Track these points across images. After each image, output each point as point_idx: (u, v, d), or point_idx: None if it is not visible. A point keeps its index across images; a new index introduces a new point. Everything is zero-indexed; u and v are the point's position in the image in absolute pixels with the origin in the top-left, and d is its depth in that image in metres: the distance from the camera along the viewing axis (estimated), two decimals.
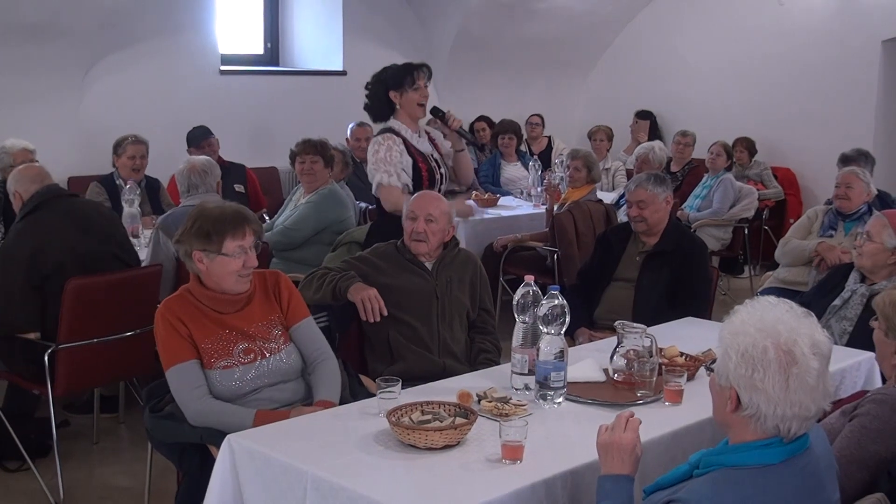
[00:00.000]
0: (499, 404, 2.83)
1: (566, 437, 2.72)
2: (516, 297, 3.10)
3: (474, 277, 3.88)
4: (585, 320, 4.34)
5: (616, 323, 3.24)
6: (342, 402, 3.12)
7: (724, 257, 7.94)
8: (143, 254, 4.84)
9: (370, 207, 6.24)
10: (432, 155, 4.52)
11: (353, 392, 3.30)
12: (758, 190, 8.00)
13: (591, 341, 4.03)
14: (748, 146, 8.58)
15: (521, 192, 7.69)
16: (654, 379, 3.02)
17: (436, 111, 4.53)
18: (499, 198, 7.30)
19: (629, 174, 8.09)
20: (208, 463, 2.81)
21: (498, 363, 3.66)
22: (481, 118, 9.08)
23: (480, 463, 2.50)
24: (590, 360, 3.24)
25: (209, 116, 7.34)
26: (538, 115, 9.21)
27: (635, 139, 9.47)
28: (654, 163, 7.34)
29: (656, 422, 2.70)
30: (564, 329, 2.92)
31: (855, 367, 3.49)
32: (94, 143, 7.07)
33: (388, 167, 4.33)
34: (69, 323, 4.07)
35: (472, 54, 9.32)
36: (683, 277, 4.31)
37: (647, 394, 3.00)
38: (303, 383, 3.25)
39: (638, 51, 10.11)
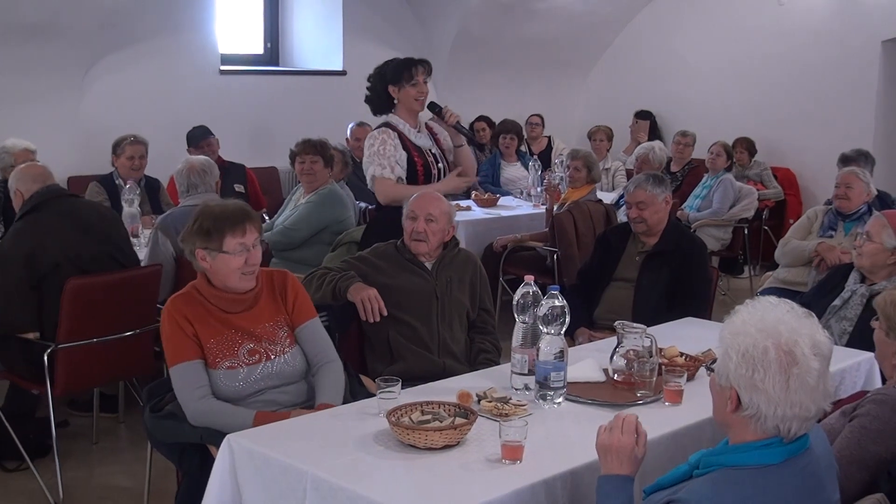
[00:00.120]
0: (499, 404, 2.83)
1: (566, 438, 2.71)
2: (516, 297, 3.10)
3: (474, 277, 3.88)
4: (585, 320, 4.34)
5: (616, 323, 3.24)
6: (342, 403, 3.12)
7: (724, 257, 7.94)
8: (143, 253, 4.84)
9: (370, 207, 6.24)
10: (430, 150, 4.53)
11: (353, 392, 3.29)
12: (758, 190, 8.00)
13: (591, 341, 4.03)
14: (748, 146, 8.58)
15: (521, 193, 7.69)
16: (654, 379, 3.02)
17: (433, 106, 4.55)
18: (498, 198, 7.30)
19: (629, 174, 8.09)
20: (208, 463, 2.81)
21: (498, 363, 3.66)
22: (481, 118, 9.07)
23: (480, 463, 2.50)
24: (590, 361, 3.24)
25: (209, 116, 7.34)
26: (538, 115, 9.21)
27: (635, 139, 9.47)
28: (654, 163, 7.34)
29: (656, 422, 2.70)
30: (564, 329, 2.92)
31: (855, 368, 3.49)
32: (93, 142, 7.07)
33: (381, 160, 4.37)
34: (68, 323, 4.07)
35: (471, 54, 9.32)
36: (683, 277, 4.31)
37: (646, 394, 2.99)
38: (306, 385, 3.24)
39: (638, 51, 10.11)
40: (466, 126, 8.89)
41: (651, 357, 3.03)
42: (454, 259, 3.85)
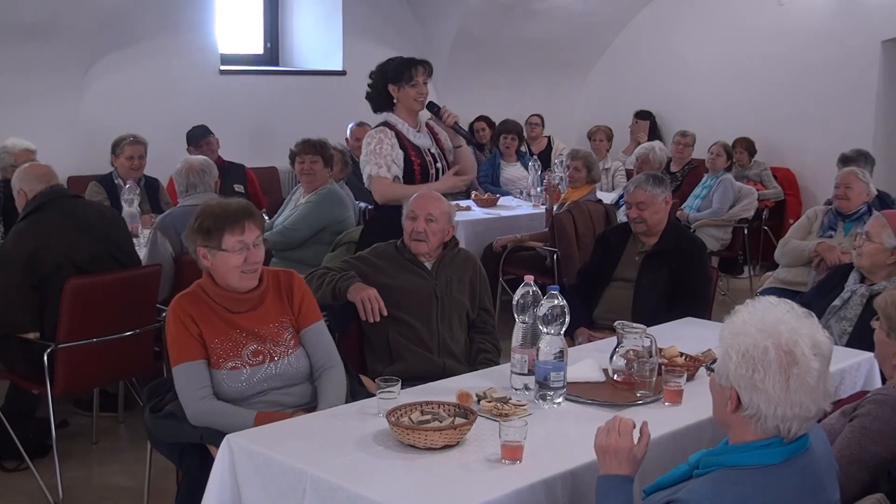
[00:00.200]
0: (498, 404, 2.83)
1: (566, 438, 2.71)
2: (516, 297, 3.10)
3: (474, 277, 3.88)
4: (585, 320, 4.34)
5: (616, 323, 3.24)
6: None
7: (724, 257, 7.94)
8: (142, 253, 4.84)
9: (369, 207, 6.24)
10: (429, 149, 4.53)
11: (352, 392, 3.29)
12: (757, 190, 8.00)
13: (591, 341, 4.03)
14: (748, 146, 8.57)
15: (521, 193, 7.69)
16: (654, 379, 3.01)
17: (431, 106, 4.55)
18: (498, 198, 7.30)
19: (629, 174, 8.10)
20: (208, 463, 2.81)
21: (497, 363, 3.66)
22: (481, 118, 9.08)
23: (480, 463, 2.50)
24: (589, 361, 3.24)
25: (209, 116, 7.34)
26: (538, 115, 9.21)
27: (635, 139, 9.47)
28: (654, 163, 7.35)
29: (656, 422, 2.68)
30: (564, 329, 2.92)
31: (855, 368, 3.48)
32: (93, 142, 7.07)
33: (377, 159, 4.38)
34: (68, 323, 4.07)
35: (471, 54, 9.32)
36: (683, 277, 4.31)
37: (646, 394, 2.99)
38: (309, 387, 3.23)
39: (637, 51, 10.11)
40: (466, 126, 8.95)
41: (651, 357, 3.03)
42: (454, 259, 3.85)
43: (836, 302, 4.08)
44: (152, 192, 6.13)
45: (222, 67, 8.22)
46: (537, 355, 2.92)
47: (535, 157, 8.27)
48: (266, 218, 6.43)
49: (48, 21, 6.76)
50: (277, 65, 9.06)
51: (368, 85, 4.57)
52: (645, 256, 4.41)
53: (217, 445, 2.71)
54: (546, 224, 6.49)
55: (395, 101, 4.50)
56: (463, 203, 6.91)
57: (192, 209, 4.72)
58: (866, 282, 4.09)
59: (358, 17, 8.86)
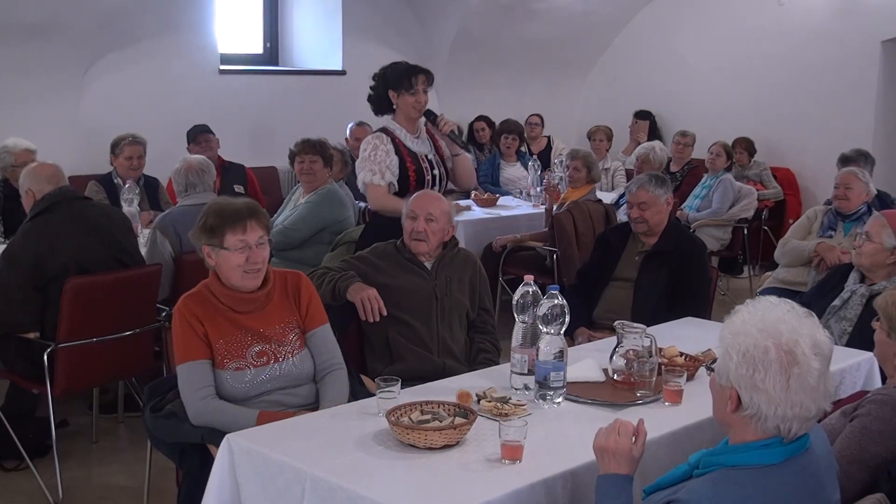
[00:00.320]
0: (498, 404, 2.83)
1: (566, 437, 2.71)
2: (516, 296, 3.09)
3: (474, 277, 3.88)
4: (585, 320, 4.34)
5: (615, 323, 3.24)
6: None
7: (724, 257, 7.94)
8: (142, 252, 4.83)
9: (369, 207, 6.24)
10: (426, 156, 4.54)
11: (353, 392, 3.29)
12: (757, 190, 8.00)
13: (591, 341, 4.03)
14: (748, 146, 8.57)
15: (521, 192, 7.68)
16: (654, 379, 3.01)
17: (428, 114, 4.56)
18: (498, 198, 7.29)
19: (629, 174, 8.11)
20: (208, 462, 2.80)
21: (497, 363, 3.66)
22: (481, 118, 9.08)
23: (480, 463, 2.50)
24: (589, 360, 3.24)
25: (208, 116, 7.34)
26: (537, 115, 9.21)
27: (634, 139, 9.47)
28: (654, 163, 7.35)
29: (656, 422, 2.69)
30: (564, 329, 2.92)
31: (855, 368, 3.48)
32: (93, 142, 7.06)
33: (372, 166, 4.39)
34: (68, 322, 4.07)
35: (471, 54, 9.32)
36: (683, 277, 4.31)
37: (646, 394, 2.99)
38: (313, 388, 3.23)
39: (637, 51, 10.11)
40: (465, 127, 8.96)
41: (651, 357, 3.03)
42: (454, 259, 3.85)
43: (836, 302, 4.08)
44: (152, 192, 6.13)
45: (222, 67, 8.22)
46: (537, 355, 2.92)
47: (535, 156, 8.27)
48: None
49: (48, 21, 6.76)
50: (277, 64, 9.06)
51: (370, 88, 4.58)
52: (645, 256, 4.41)
53: (217, 445, 2.71)
54: (546, 224, 6.49)
55: (394, 106, 4.51)
56: (463, 203, 6.91)
57: (191, 209, 4.75)
58: (866, 281, 4.09)
59: (358, 16, 8.86)
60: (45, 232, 4.16)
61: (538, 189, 7.22)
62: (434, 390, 3.03)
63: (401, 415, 2.67)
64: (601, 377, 3.16)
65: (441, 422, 2.63)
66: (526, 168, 8.01)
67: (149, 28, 7.69)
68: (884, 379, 3.07)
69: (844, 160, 6.51)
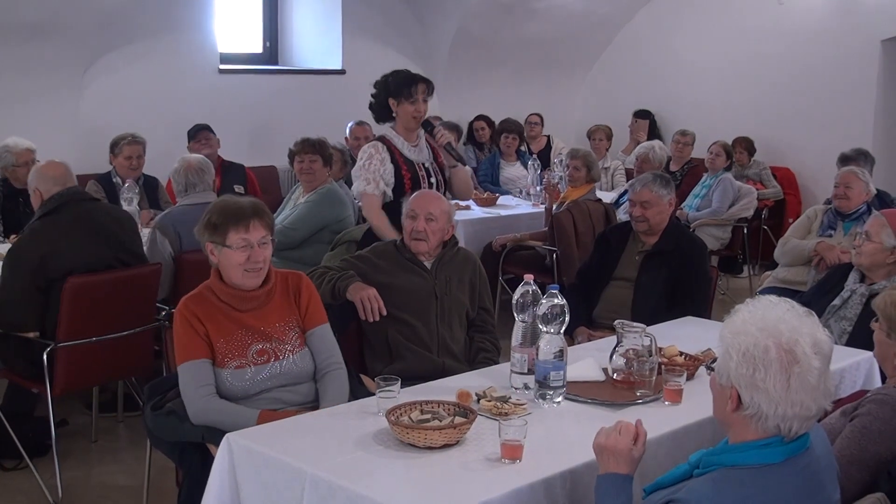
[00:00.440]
0: (498, 403, 2.83)
1: (565, 437, 2.71)
2: (516, 296, 3.09)
3: (473, 276, 3.88)
4: (584, 319, 4.34)
5: (615, 322, 3.24)
6: None
7: (724, 257, 7.94)
8: None
9: None
10: (423, 164, 4.55)
11: (352, 391, 3.29)
12: (757, 189, 8.00)
13: (591, 340, 4.03)
14: (747, 146, 8.57)
15: (521, 192, 7.68)
16: (654, 378, 3.01)
17: (426, 124, 4.58)
18: (498, 197, 7.29)
19: (628, 174, 8.11)
20: (209, 462, 2.80)
21: (497, 362, 3.66)
22: (480, 117, 9.07)
23: (480, 462, 2.50)
24: (589, 360, 3.24)
25: (208, 115, 7.33)
26: (537, 115, 9.20)
27: (634, 139, 9.47)
28: (654, 162, 7.35)
29: (656, 421, 2.69)
30: (564, 328, 2.92)
31: (854, 367, 3.48)
32: (93, 141, 7.05)
33: (367, 175, 4.43)
34: (68, 322, 4.07)
35: (471, 54, 9.31)
36: (683, 277, 4.31)
37: (646, 393, 2.99)
38: (313, 386, 3.23)
39: (637, 50, 10.10)
40: (465, 126, 8.96)
41: (651, 356, 3.02)
42: (454, 258, 3.85)
43: (836, 301, 4.08)
44: (151, 191, 6.13)
45: (221, 66, 8.21)
46: (537, 354, 2.92)
47: (535, 156, 8.27)
48: None
49: (48, 21, 6.75)
50: (277, 64, 9.05)
51: (372, 95, 4.61)
52: (645, 256, 4.41)
53: (217, 444, 2.71)
54: (545, 223, 6.49)
55: (394, 114, 4.53)
56: (462, 202, 6.90)
57: (191, 208, 4.76)
58: (866, 281, 4.09)
59: (357, 16, 8.85)
60: (52, 234, 4.15)
61: (538, 188, 7.23)
62: (434, 390, 3.03)
63: (400, 414, 2.67)
64: (601, 376, 3.16)
65: (441, 421, 2.63)
66: (526, 167, 8.01)
67: (148, 28, 7.68)
68: (883, 378, 3.07)
69: (844, 159, 6.51)
